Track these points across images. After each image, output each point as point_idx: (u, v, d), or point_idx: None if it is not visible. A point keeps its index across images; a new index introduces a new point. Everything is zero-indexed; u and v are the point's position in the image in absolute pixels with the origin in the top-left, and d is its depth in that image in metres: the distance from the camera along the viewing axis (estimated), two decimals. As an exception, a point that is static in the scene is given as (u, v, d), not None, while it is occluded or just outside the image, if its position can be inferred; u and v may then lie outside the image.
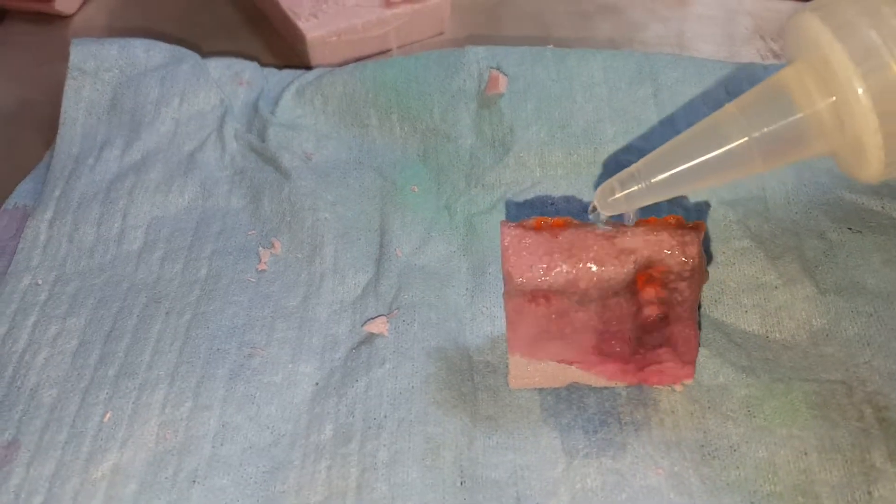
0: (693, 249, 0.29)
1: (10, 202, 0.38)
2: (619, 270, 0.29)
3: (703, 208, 0.36)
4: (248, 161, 0.39)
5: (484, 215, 0.37)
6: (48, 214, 0.37)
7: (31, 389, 0.31)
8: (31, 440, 0.30)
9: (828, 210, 0.36)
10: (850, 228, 0.35)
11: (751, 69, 0.40)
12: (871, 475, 0.28)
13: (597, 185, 0.37)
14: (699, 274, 0.29)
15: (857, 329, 0.31)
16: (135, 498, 0.28)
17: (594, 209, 0.30)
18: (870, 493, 0.27)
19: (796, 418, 0.29)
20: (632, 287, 0.29)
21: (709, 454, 0.29)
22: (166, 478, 0.28)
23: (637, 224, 0.30)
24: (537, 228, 0.29)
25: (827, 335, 0.32)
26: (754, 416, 0.30)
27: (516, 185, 0.37)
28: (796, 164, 0.36)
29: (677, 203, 0.36)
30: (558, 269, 0.29)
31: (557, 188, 0.37)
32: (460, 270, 0.35)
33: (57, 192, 0.38)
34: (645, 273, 0.29)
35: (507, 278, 0.30)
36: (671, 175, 0.29)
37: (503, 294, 0.30)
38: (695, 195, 0.37)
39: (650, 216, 0.30)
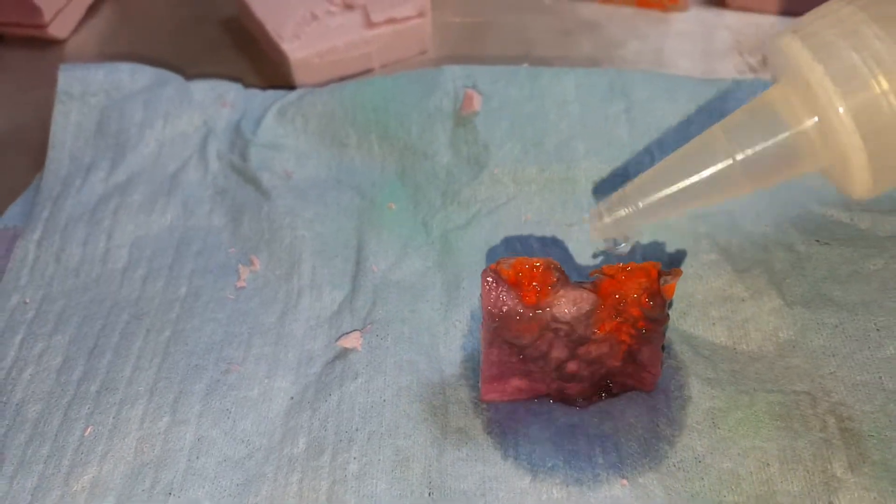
0: (660, 300, 0.29)
1: (0, 224, 0.39)
2: (587, 332, 0.29)
3: (671, 222, 0.37)
4: (230, 181, 0.40)
5: (459, 231, 0.37)
6: (36, 235, 0.38)
7: (17, 405, 0.32)
8: (15, 454, 0.31)
9: (796, 222, 0.36)
10: (817, 241, 0.35)
11: (722, 85, 0.41)
12: (832, 485, 0.28)
13: (569, 201, 0.38)
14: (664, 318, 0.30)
15: (823, 340, 0.32)
16: (112, 511, 0.29)
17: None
18: (831, 502, 0.28)
19: (759, 429, 0.30)
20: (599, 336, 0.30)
21: (673, 465, 0.29)
22: (143, 490, 0.29)
23: (616, 274, 0.29)
24: (513, 283, 0.29)
25: (793, 347, 0.32)
26: (718, 428, 0.30)
27: (491, 201, 0.38)
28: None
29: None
30: (529, 336, 0.29)
31: (531, 204, 0.38)
32: (435, 286, 0.36)
33: (45, 214, 0.39)
34: (613, 323, 0.29)
35: (484, 318, 0.30)
36: (658, 199, 0.29)
37: (482, 324, 0.30)
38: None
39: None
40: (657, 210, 0.30)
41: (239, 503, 0.29)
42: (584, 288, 0.29)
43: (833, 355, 0.31)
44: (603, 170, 0.38)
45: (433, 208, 0.39)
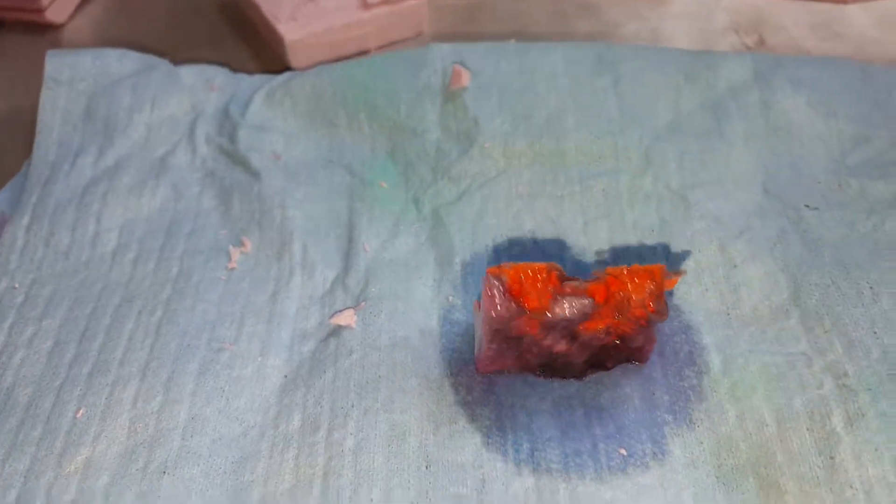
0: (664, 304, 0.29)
1: (-12, 209, 0.39)
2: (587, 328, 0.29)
3: (663, 192, 0.37)
4: (219, 163, 0.40)
5: (450, 206, 0.37)
6: (25, 220, 0.38)
7: (8, 389, 0.32)
8: (6, 438, 0.30)
9: (786, 189, 0.36)
10: (807, 206, 0.35)
11: (709, 57, 0.41)
12: (832, 440, 0.28)
13: (559, 174, 0.38)
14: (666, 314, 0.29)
15: (816, 301, 0.32)
16: (106, 490, 0.29)
17: None
18: (832, 457, 0.28)
19: (756, 392, 0.30)
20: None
21: (671, 432, 0.29)
22: (137, 469, 0.29)
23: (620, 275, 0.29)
24: (515, 288, 0.28)
25: (787, 309, 0.32)
26: (714, 392, 0.30)
27: (481, 175, 0.38)
28: (758, 145, 0.37)
29: (637, 190, 0.37)
30: (530, 334, 0.29)
31: (521, 177, 0.38)
32: (427, 262, 0.36)
33: (34, 199, 0.38)
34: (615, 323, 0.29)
35: (485, 318, 0.29)
36: None
37: (482, 317, 0.30)
38: (658, 179, 0.37)
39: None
40: None
41: (234, 481, 0.29)
42: (585, 289, 0.29)
43: (827, 314, 0.31)
44: (593, 142, 0.38)
45: (424, 184, 0.38)
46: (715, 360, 0.31)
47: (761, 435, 0.29)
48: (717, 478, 0.28)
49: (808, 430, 0.28)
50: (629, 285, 0.28)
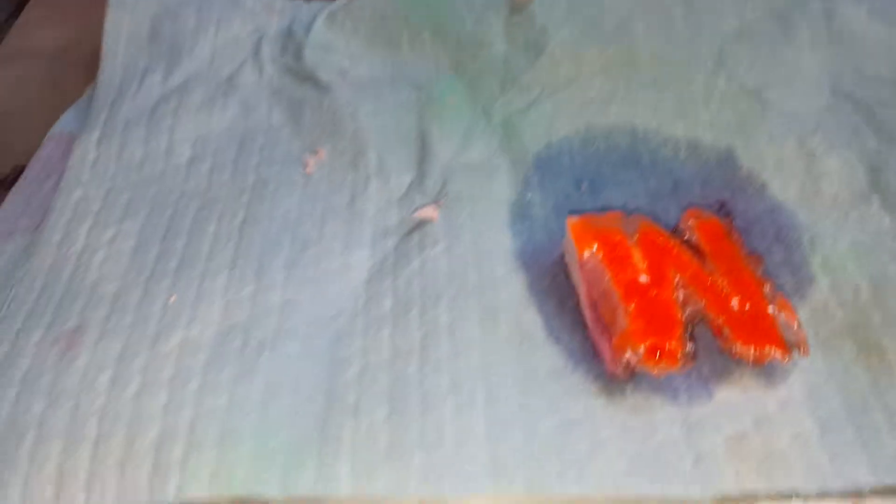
0: None
1: (56, 129, 0.39)
2: None
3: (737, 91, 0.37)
4: (285, 81, 0.40)
5: (521, 114, 0.37)
6: (95, 135, 0.38)
7: (92, 284, 0.32)
8: (95, 326, 0.30)
9: (854, 90, 0.37)
10: (878, 103, 0.35)
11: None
12: None
13: (632, 81, 0.38)
14: None
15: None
16: (205, 367, 0.28)
17: None
18: None
19: (847, 263, 0.30)
20: None
21: None
22: (235, 348, 0.29)
23: None
24: (607, 256, 0.29)
25: (867, 196, 0.32)
26: (806, 265, 0.30)
27: (552, 84, 0.38)
28: (822, 51, 0.37)
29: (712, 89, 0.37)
30: None
31: (593, 84, 0.38)
32: (502, 166, 0.36)
33: (103, 116, 0.38)
34: None
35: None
36: None
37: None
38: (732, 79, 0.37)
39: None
40: None
41: (332, 356, 0.29)
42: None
43: None
44: (663, 47, 0.38)
45: (492, 96, 0.39)
46: (803, 238, 0.31)
47: (857, 301, 0.29)
48: (814, 344, 0.28)
49: None
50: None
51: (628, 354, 0.27)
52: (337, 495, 0.25)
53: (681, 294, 0.28)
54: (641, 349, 0.27)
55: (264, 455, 0.26)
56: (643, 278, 0.28)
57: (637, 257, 0.29)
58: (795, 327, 0.27)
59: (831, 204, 0.33)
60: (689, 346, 0.27)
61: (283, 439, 0.27)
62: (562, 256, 0.32)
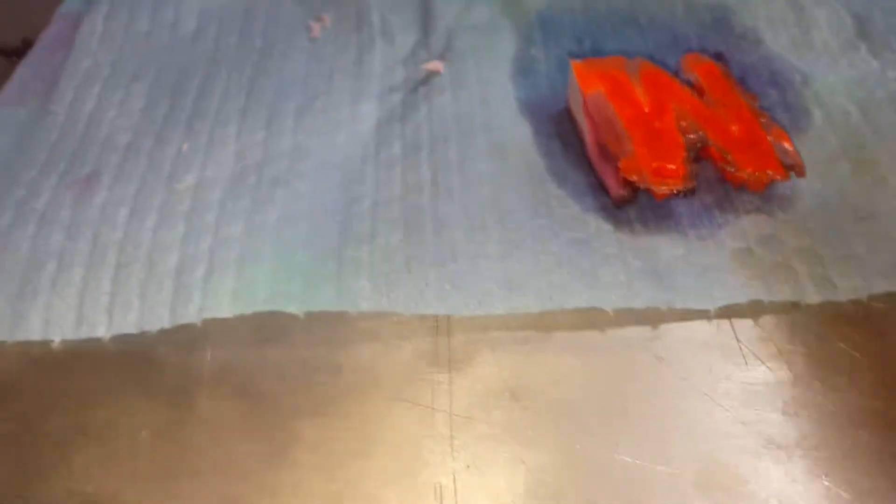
0: None
1: (63, 9, 0.39)
2: None
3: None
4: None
5: (522, -21, 0.38)
6: (104, 10, 0.38)
7: (105, 137, 0.33)
8: (109, 170, 0.31)
9: None
10: None
11: None
12: None
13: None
14: None
15: (882, 29, 0.34)
16: (221, 201, 0.29)
17: None
18: None
19: (836, 93, 0.31)
20: None
21: None
22: (250, 185, 0.30)
23: None
24: (610, 92, 0.29)
25: (854, 43, 0.34)
26: (798, 100, 0.31)
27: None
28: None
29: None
30: None
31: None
32: (504, 27, 0.36)
33: (109, -8, 0.39)
34: None
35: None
36: None
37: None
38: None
39: None
40: None
41: (344, 193, 0.30)
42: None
43: (894, 38, 0.34)
44: None
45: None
46: (795, 79, 0.32)
47: (848, 123, 0.30)
48: (811, 168, 0.28)
49: (893, 111, 0.30)
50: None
51: (635, 177, 0.27)
52: (357, 308, 0.26)
53: (682, 125, 0.29)
54: (647, 172, 0.27)
55: (284, 272, 0.27)
56: (646, 110, 0.29)
57: (639, 92, 0.29)
58: (791, 150, 0.28)
59: (822, 51, 0.34)
60: (692, 168, 0.28)
61: (301, 258, 0.27)
62: (566, 109, 0.32)
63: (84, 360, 0.27)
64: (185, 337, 0.27)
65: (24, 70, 0.36)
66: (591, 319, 0.26)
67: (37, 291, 0.27)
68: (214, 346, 0.27)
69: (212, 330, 0.27)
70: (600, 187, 0.29)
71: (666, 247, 0.27)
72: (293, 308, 0.26)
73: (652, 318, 0.26)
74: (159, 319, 0.26)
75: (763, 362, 0.26)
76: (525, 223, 0.28)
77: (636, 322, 0.26)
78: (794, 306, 0.26)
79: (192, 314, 0.26)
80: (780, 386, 0.25)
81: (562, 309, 0.26)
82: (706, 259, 0.27)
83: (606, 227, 0.28)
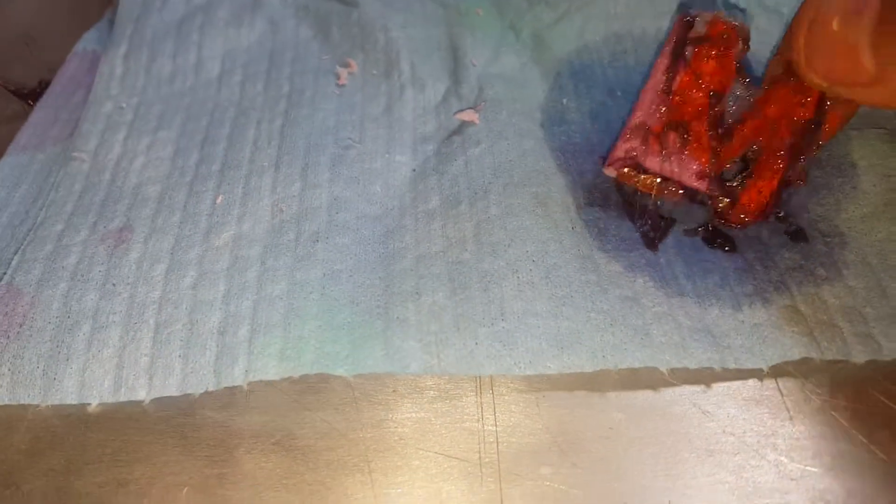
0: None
1: (79, 47, 0.39)
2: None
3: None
4: (310, -1, 0.40)
5: (550, 28, 0.38)
6: (122, 50, 0.37)
7: (134, 188, 0.32)
8: (143, 224, 0.30)
9: None
10: None
11: None
12: None
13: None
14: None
15: None
16: (262, 257, 0.29)
17: None
18: None
19: (875, 152, 0.31)
20: None
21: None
22: (289, 240, 0.29)
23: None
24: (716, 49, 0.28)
25: None
26: (842, 166, 0.31)
27: (578, 0, 0.39)
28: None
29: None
30: None
31: (619, 1, 0.39)
32: (535, 76, 0.36)
33: (128, 31, 0.38)
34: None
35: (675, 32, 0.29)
36: None
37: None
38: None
39: None
40: None
41: (385, 248, 0.29)
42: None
43: None
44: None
45: (520, 12, 0.39)
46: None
47: (890, 180, 0.30)
48: (850, 228, 0.29)
49: None
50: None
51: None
52: (407, 371, 0.26)
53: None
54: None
55: (330, 332, 0.26)
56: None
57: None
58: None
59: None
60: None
61: (346, 317, 0.27)
62: (601, 158, 0.32)
63: (121, 414, 0.26)
64: (225, 392, 0.26)
65: (40, 113, 0.35)
66: (643, 378, 0.27)
67: (71, 353, 0.26)
68: (255, 402, 0.26)
69: (252, 386, 0.26)
70: (646, 240, 0.29)
71: (714, 303, 0.28)
72: (341, 370, 0.26)
73: (705, 376, 0.27)
74: (203, 382, 0.26)
75: (808, 417, 0.26)
76: (572, 279, 0.28)
77: (687, 380, 0.27)
78: (838, 362, 0.27)
79: (237, 377, 0.26)
80: (825, 441, 0.25)
81: (615, 366, 0.26)
82: (755, 316, 0.27)
83: (651, 283, 0.28)
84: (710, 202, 0.29)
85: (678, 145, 0.28)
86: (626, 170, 0.29)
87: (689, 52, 0.29)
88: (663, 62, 0.30)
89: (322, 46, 0.38)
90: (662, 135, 0.29)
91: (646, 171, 0.29)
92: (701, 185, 0.28)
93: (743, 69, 0.29)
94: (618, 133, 0.31)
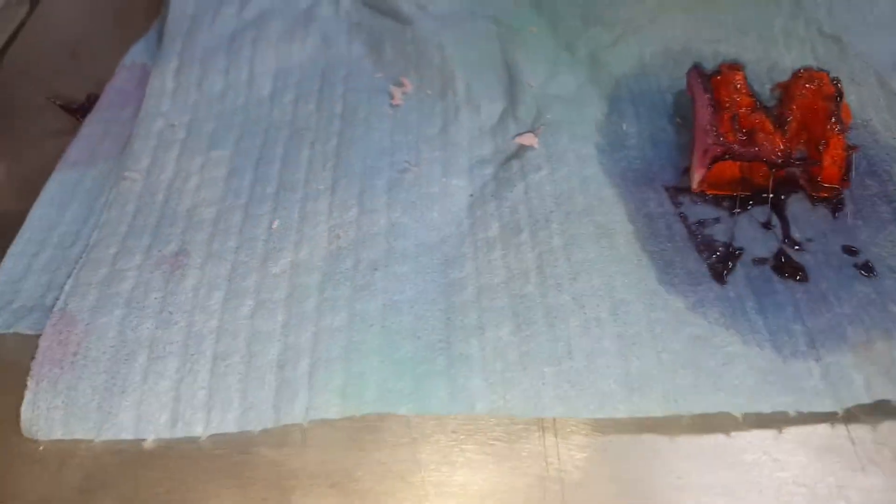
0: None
1: (127, 60, 0.38)
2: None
3: (815, 35, 0.37)
4: (363, 14, 0.39)
5: (607, 49, 0.37)
6: (173, 65, 0.37)
7: (188, 210, 0.31)
8: (199, 249, 0.30)
9: None
10: None
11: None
12: None
13: (712, 19, 0.38)
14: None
15: None
16: (320, 286, 0.28)
17: None
18: None
19: None
20: None
21: None
22: (348, 268, 0.28)
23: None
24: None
25: None
26: None
27: (634, 21, 0.38)
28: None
29: (791, 33, 0.37)
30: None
31: (675, 23, 0.38)
32: (593, 98, 0.35)
33: (178, 46, 0.37)
34: None
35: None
36: None
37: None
38: (811, 23, 0.37)
39: None
40: None
41: (445, 278, 0.28)
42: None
43: None
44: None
45: (575, 32, 0.38)
46: (894, 170, 0.31)
47: None
48: None
49: None
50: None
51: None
52: (472, 411, 0.25)
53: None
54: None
55: (392, 367, 0.26)
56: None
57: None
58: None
59: None
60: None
61: (407, 352, 0.26)
62: (663, 186, 0.32)
63: (175, 452, 0.25)
64: (281, 429, 0.26)
65: (90, 128, 0.35)
66: (714, 422, 0.26)
67: (127, 386, 0.26)
68: (311, 439, 0.25)
69: (311, 423, 0.26)
70: (713, 275, 0.29)
71: (787, 340, 0.27)
72: (403, 410, 0.25)
73: (776, 420, 0.26)
74: (262, 419, 0.25)
75: (879, 467, 0.25)
76: (641, 316, 0.27)
77: (758, 425, 0.26)
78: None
79: (297, 414, 0.25)
80: (896, 493, 0.24)
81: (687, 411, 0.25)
82: (829, 354, 0.26)
83: (722, 320, 0.27)
84: (799, 170, 0.31)
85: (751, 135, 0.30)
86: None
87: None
88: (701, 100, 0.32)
89: (375, 65, 0.37)
90: (734, 131, 0.30)
91: (736, 158, 0.30)
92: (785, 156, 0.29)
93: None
94: (680, 160, 0.32)
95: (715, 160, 0.30)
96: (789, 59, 0.36)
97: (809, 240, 0.30)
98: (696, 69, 0.33)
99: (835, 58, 0.36)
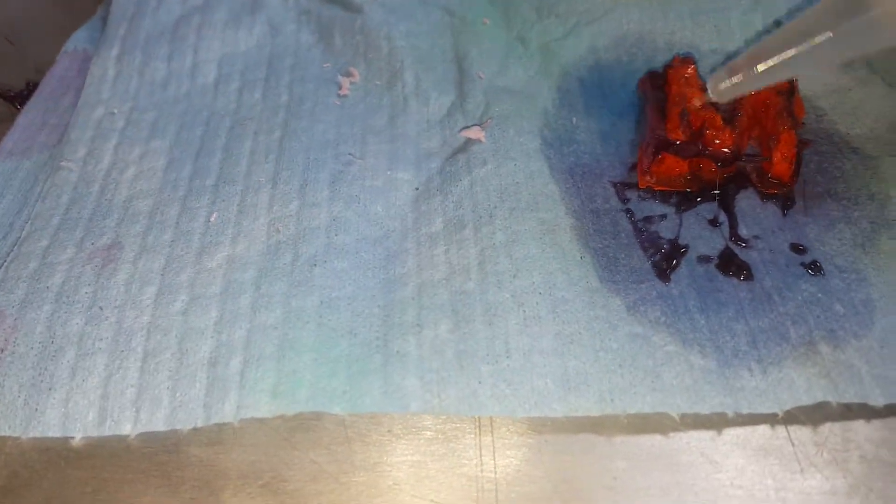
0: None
1: (69, 46, 0.37)
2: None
3: (774, 29, 0.37)
4: (312, 2, 0.38)
5: (559, 41, 0.36)
6: (114, 51, 0.36)
7: (124, 201, 0.30)
8: (132, 242, 0.29)
9: None
10: None
11: None
12: None
13: (669, 11, 0.37)
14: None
15: None
16: (256, 282, 0.27)
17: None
18: None
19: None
20: None
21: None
22: (285, 263, 0.28)
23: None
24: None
25: None
26: (858, 198, 0.30)
27: (589, 13, 0.37)
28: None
29: (748, 26, 0.37)
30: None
31: (631, 14, 0.37)
32: (542, 90, 0.35)
33: (121, 32, 0.36)
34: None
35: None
36: (769, 67, 0.29)
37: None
38: (768, 16, 0.37)
39: None
40: (768, 76, 0.30)
41: (386, 273, 0.28)
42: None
43: None
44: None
45: (528, 23, 0.38)
46: (845, 166, 0.31)
47: None
48: (875, 261, 0.28)
49: None
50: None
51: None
52: (406, 410, 0.25)
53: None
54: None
55: (326, 365, 0.25)
56: None
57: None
58: None
59: (868, 136, 0.33)
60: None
61: (343, 349, 0.26)
62: (611, 182, 0.31)
63: (103, 450, 0.25)
64: (212, 428, 0.25)
65: (28, 116, 0.34)
66: (651, 422, 0.25)
67: (54, 382, 0.25)
68: (243, 439, 0.25)
69: (242, 422, 0.25)
70: (657, 272, 0.29)
71: (728, 340, 0.26)
72: (337, 409, 0.25)
73: (715, 421, 0.25)
74: (192, 417, 0.24)
75: (819, 470, 0.25)
76: (580, 314, 0.26)
77: (696, 426, 0.25)
78: (849, 410, 0.26)
79: (228, 413, 0.24)
80: (836, 496, 0.24)
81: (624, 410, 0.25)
82: (770, 354, 0.26)
83: (663, 318, 0.27)
84: (749, 166, 0.31)
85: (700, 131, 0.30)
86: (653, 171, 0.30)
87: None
88: (652, 99, 0.32)
89: (324, 53, 0.36)
90: (683, 126, 0.30)
91: (681, 154, 0.30)
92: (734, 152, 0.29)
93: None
94: (629, 155, 0.32)
95: (658, 150, 0.29)
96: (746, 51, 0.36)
97: (757, 237, 0.29)
98: (649, 72, 0.33)
99: None
